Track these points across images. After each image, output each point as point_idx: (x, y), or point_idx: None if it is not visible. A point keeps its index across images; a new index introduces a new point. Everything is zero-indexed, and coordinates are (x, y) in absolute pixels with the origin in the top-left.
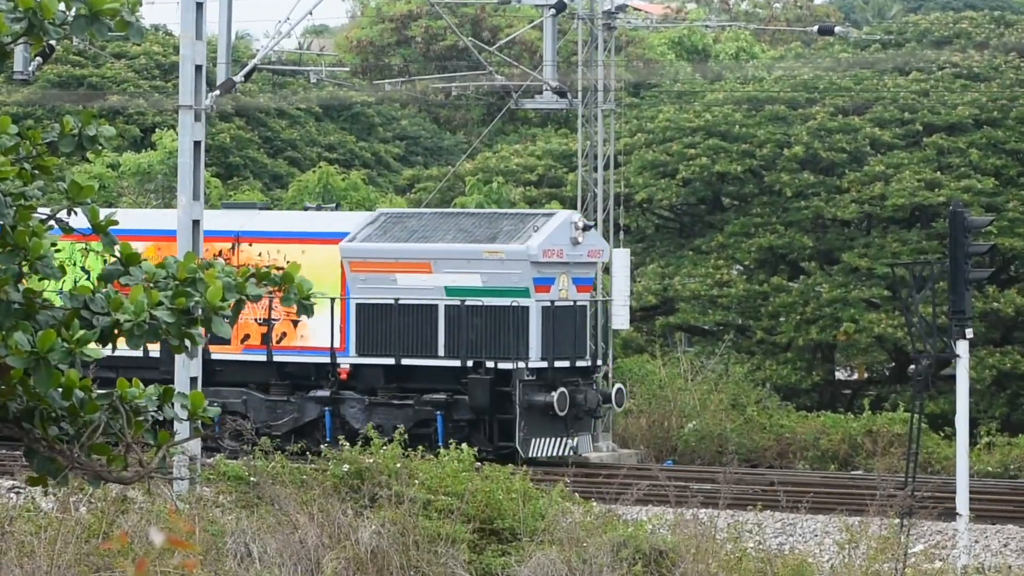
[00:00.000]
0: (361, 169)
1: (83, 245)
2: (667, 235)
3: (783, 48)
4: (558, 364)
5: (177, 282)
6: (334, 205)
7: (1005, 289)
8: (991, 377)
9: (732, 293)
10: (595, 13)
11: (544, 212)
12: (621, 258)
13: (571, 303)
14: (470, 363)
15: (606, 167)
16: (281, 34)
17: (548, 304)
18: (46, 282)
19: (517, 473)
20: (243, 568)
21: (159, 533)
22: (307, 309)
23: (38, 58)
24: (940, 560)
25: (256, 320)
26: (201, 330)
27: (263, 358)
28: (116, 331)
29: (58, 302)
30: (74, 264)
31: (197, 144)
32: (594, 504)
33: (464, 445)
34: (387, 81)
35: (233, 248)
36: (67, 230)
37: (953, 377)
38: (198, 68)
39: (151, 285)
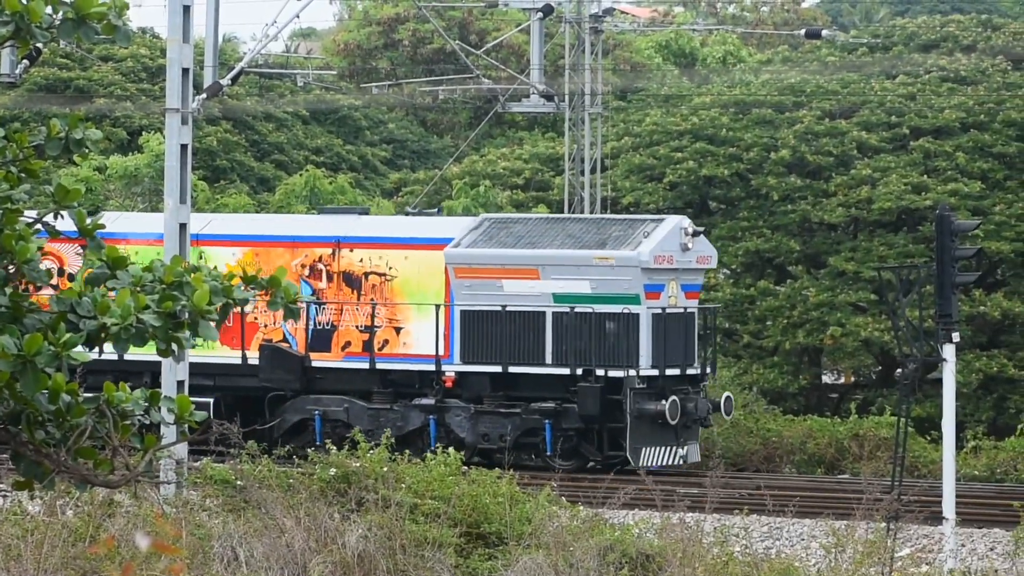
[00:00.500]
0: (348, 172)
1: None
2: None
3: (770, 52)
4: (668, 372)
5: (164, 286)
6: (436, 210)
7: (991, 293)
8: (977, 381)
9: (719, 297)
10: (582, 16)
11: (653, 217)
12: None
13: (681, 310)
14: (579, 371)
15: (593, 171)
16: (268, 37)
17: (659, 311)
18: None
19: (504, 477)
20: (230, 572)
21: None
22: (294, 313)
23: (25, 61)
24: (927, 564)
25: (357, 327)
26: (188, 333)
27: (365, 366)
28: (103, 335)
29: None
30: None
31: (184, 147)
32: (581, 508)
33: (451, 449)
34: (374, 84)
35: (333, 254)
36: (54, 233)
37: (939, 381)
38: (185, 71)
39: (138, 289)
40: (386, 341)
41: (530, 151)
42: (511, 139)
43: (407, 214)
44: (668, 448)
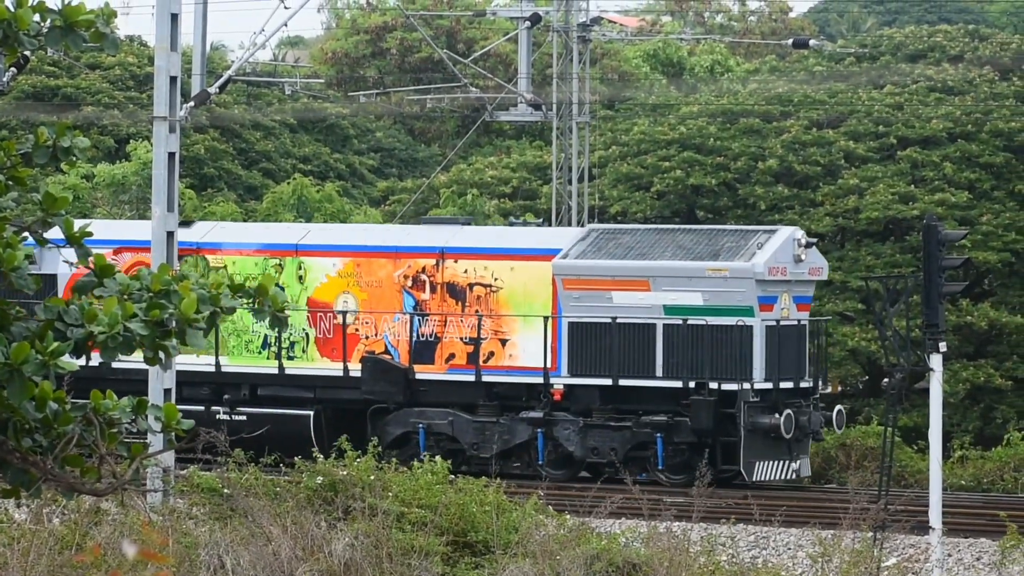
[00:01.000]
0: (336, 181)
1: (277, 261)
2: None
3: (758, 61)
4: (782, 385)
5: (151, 294)
6: (540, 220)
7: (979, 303)
8: (964, 391)
9: None
10: (570, 26)
11: (766, 228)
12: None
13: (795, 322)
14: (691, 384)
15: (580, 180)
16: (256, 45)
17: (773, 323)
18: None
19: (490, 485)
20: None
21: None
22: (282, 323)
23: (12, 69)
24: (913, 574)
25: (462, 339)
26: (175, 342)
27: (470, 378)
28: (90, 343)
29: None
30: None
31: (171, 155)
32: (567, 517)
33: (438, 458)
34: (362, 93)
35: (437, 264)
36: (41, 241)
37: (926, 391)
38: (173, 79)
39: (125, 297)
40: (491, 353)
41: (518, 160)
42: (499, 148)
43: (512, 224)
44: (781, 462)
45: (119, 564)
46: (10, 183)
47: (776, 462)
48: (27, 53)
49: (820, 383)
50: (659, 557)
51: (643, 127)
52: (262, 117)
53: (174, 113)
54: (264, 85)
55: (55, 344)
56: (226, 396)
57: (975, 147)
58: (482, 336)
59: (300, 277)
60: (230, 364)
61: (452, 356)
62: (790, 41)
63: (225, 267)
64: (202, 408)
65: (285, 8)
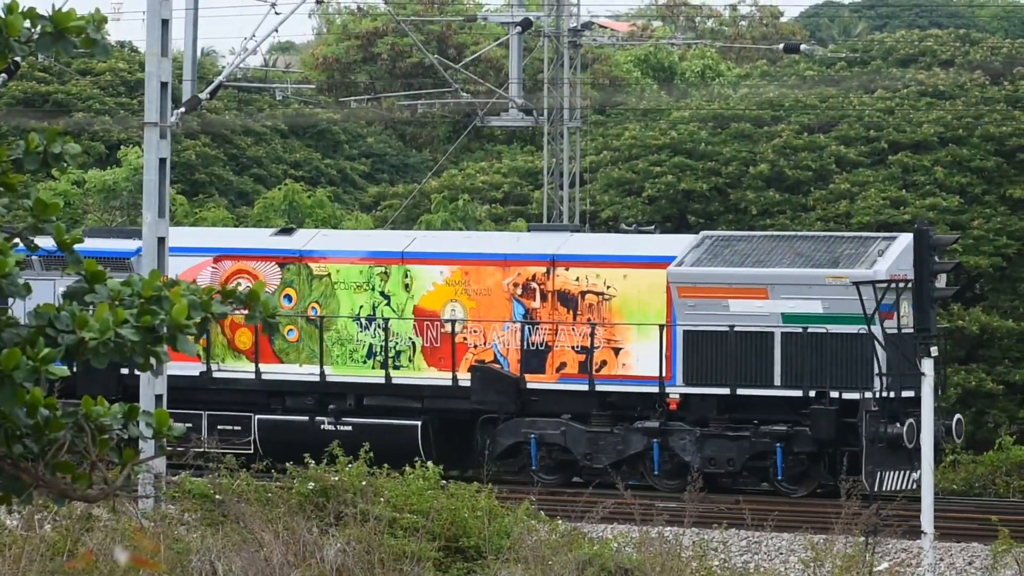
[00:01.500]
0: (327, 187)
1: (383, 269)
2: None
3: (749, 66)
4: (904, 394)
5: (142, 300)
6: (652, 227)
7: (970, 307)
8: (956, 395)
9: None
10: (561, 31)
11: (885, 235)
12: None
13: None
14: (812, 393)
15: (572, 185)
16: (247, 51)
17: (894, 331)
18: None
19: (483, 491)
20: None
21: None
22: (273, 328)
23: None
24: None
25: (573, 348)
26: (167, 348)
27: (583, 387)
28: (81, 349)
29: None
30: (372, 288)
31: (163, 161)
32: (559, 522)
33: (430, 463)
34: (353, 98)
35: (548, 273)
36: (32, 248)
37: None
38: (163, 85)
39: (116, 303)
40: (604, 362)
41: (509, 165)
42: (490, 153)
43: (623, 231)
44: (903, 472)
45: (111, 570)
46: (1, 189)
47: (898, 472)
48: (18, 59)
49: (940, 391)
50: (651, 562)
51: (634, 132)
52: (253, 123)
53: (165, 119)
54: (255, 91)
55: (46, 350)
56: (331, 406)
57: (966, 151)
58: (595, 345)
59: (406, 285)
60: (335, 373)
61: (563, 365)
62: (781, 46)
63: (329, 275)
64: (306, 419)
65: (276, 13)
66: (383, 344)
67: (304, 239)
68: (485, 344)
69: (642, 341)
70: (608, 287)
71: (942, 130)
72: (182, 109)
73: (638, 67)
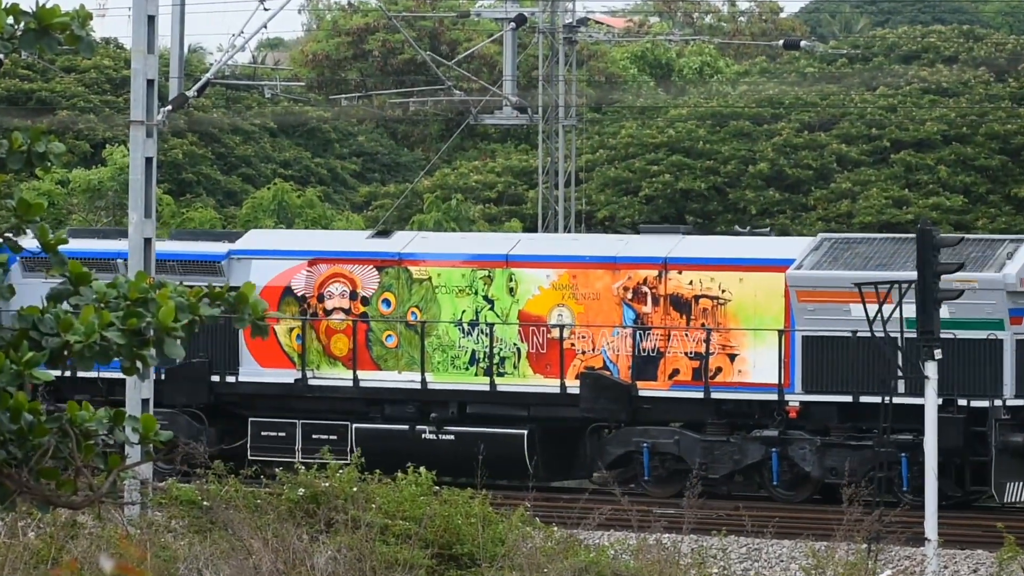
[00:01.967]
0: (317, 186)
1: (486, 272)
2: None
3: (748, 62)
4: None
5: (128, 302)
6: (767, 229)
7: None
8: None
9: None
10: (556, 27)
11: (1012, 237)
12: None
13: None
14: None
15: (567, 184)
16: (235, 47)
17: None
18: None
19: (476, 497)
20: None
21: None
22: (262, 331)
23: None
24: None
25: (686, 354)
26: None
27: (698, 395)
28: (66, 352)
29: None
30: (475, 292)
31: (149, 160)
32: (555, 529)
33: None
34: (343, 96)
35: (660, 276)
36: (16, 249)
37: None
38: (150, 82)
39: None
40: (719, 368)
41: (503, 164)
42: (483, 152)
43: (737, 233)
44: None
45: None
46: None
47: None
48: (1, 56)
49: None
50: (649, 570)
51: (631, 130)
52: (241, 121)
53: (151, 117)
54: (243, 88)
55: (30, 354)
56: (432, 415)
57: (970, 150)
58: (710, 351)
59: (511, 289)
60: (436, 381)
61: (676, 372)
62: (781, 42)
63: (430, 279)
64: (406, 427)
65: (265, 9)
66: (487, 350)
67: (403, 242)
68: (594, 350)
69: (759, 347)
70: (723, 291)
71: (945, 128)
72: (169, 107)
73: (635, 64)
